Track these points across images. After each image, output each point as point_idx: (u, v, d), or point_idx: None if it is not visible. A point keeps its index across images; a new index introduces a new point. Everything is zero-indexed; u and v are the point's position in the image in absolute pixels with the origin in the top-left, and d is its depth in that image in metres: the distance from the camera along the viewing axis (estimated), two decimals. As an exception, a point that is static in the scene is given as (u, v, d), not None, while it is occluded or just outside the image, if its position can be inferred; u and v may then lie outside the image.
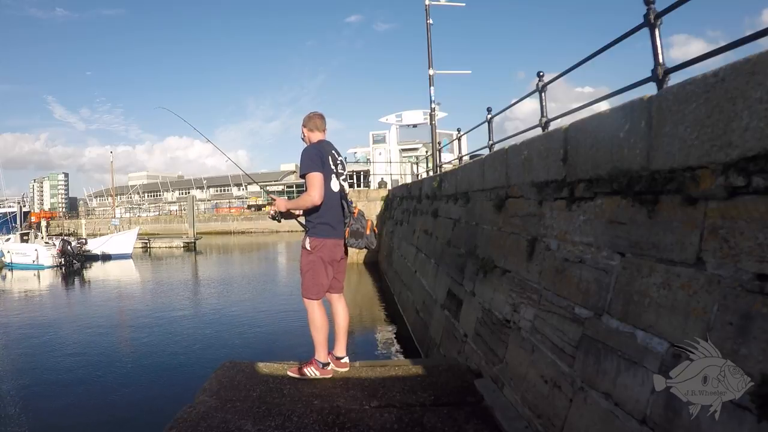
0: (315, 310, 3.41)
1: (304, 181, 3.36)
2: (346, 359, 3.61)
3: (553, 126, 4.38)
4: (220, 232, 45.63)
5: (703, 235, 1.67)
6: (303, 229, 3.54)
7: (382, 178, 23.24)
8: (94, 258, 23.40)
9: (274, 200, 3.69)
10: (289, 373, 3.46)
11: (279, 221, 3.73)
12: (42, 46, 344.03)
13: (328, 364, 3.47)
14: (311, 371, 3.43)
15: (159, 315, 11.27)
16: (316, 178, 3.27)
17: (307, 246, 3.41)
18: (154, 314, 11.39)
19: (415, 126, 25.95)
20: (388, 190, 18.37)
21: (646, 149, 2.03)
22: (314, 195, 3.26)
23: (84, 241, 24.22)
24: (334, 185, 3.40)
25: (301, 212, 3.57)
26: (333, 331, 3.59)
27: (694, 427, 1.49)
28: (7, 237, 23.60)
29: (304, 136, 3.64)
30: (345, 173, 3.58)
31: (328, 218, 3.37)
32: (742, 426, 1.36)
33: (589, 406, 2.13)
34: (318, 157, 3.34)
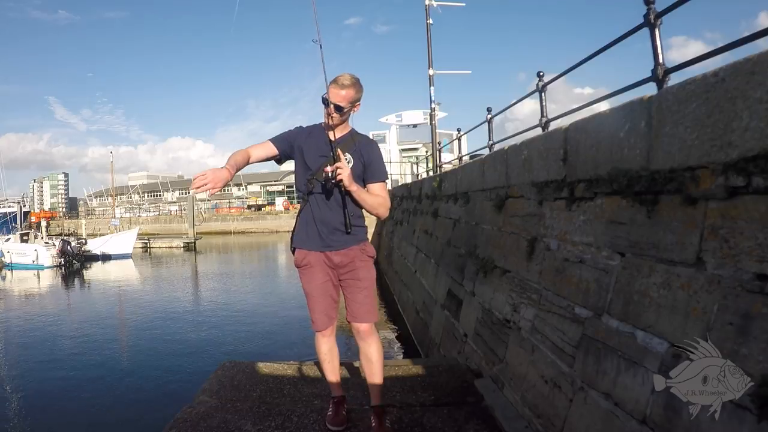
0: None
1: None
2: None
3: (553, 126, 4.38)
4: (220, 232, 45.62)
5: (703, 235, 1.67)
6: (345, 230, 2.44)
7: (382, 178, 23.20)
8: (94, 258, 23.42)
9: (341, 159, 2.34)
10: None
11: (325, 183, 2.40)
12: (44, 47, 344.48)
13: None
14: None
15: (159, 315, 11.28)
16: (386, 189, 2.60)
17: (371, 253, 2.58)
18: (154, 314, 11.40)
19: (415, 126, 25.94)
20: (388, 190, 18.34)
21: (646, 149, 2.03)
22: (389, 208, 2.58)
23: (84, 241, 24.24)
24: None
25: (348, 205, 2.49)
26: None
27: (694, 427, 1.49)
28: (7, 237, 23.58)
29: (351, 110, 2.52)
30: None
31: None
32: (742, 426, 1.36)
33: (589, 406, 2.13)
34: None
